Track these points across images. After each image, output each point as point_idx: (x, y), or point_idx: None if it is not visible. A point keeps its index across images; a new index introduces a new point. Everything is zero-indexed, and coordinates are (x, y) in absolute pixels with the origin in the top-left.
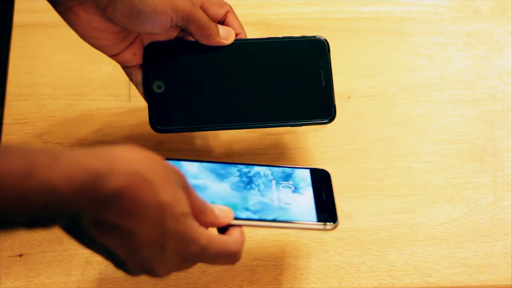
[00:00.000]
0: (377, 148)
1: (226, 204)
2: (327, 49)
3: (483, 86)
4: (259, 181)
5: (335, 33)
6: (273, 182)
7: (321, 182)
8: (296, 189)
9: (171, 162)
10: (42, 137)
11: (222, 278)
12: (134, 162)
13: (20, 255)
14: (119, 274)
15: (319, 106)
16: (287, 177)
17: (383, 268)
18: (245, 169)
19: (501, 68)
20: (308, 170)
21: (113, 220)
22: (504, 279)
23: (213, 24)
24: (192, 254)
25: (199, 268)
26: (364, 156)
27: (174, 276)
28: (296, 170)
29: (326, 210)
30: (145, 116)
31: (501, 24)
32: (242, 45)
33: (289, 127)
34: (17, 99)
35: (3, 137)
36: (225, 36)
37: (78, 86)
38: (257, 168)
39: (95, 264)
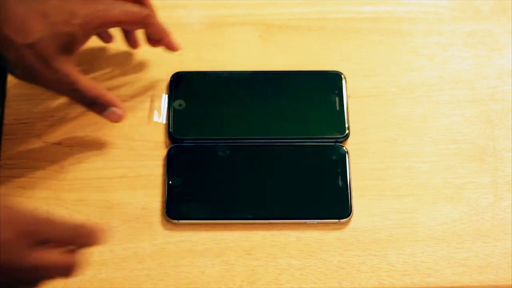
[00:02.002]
0: (377, 148)
1: None
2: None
3: (483, 86)
4: None
5: (335, 33)
6: None
7: None
8: None
9: None
10: (42, 137)
11: (222, 278)
12: None
13: None
14: (119, 274)
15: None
16: None
17: (383, 268)
18: None
19: (501, 68)
20: None
21: None
22: (504, 279)
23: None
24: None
25: (199, 268)
26: (364, 156)
27: (174, 276)
28: None
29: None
30: (145, 116)
31: (501, 24)
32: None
33: None
34: (17, 99)
35: (3, 137)
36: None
37: None
38: None
39: (95, 264)
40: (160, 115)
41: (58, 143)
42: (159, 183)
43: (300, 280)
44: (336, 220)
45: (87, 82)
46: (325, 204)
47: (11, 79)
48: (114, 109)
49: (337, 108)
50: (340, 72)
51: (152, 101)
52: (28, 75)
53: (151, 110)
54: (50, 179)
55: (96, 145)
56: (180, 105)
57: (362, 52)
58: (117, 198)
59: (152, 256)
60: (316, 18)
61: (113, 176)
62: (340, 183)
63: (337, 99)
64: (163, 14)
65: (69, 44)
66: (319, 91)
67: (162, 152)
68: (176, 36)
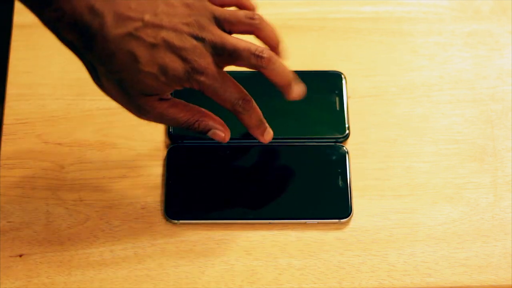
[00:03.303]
0: (377, 148)
1: None
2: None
3: (483, 86)
4: None
5: (335, 33)
6: None
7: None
8: None
9: None
10: (42, 137)
11: (222, 278)
12: None
13: (20, 255)
14: (119, 274)
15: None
16: None
17: (383, 268)
18: None
19: (501, 68)
20: None
21: None
22: (504, 279)
23: None
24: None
25: (199, 268)
26: (364, 156)
27: (174, 276)
28: None
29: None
30: None
31: (501, 24)
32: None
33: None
34: (17, 99)
35: (3, 137)
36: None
37: (78, 86)
38: None
39: (95, 264)
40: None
41: (58, 143)
42: (159, 183)
43: (300, 280)
44: (336, 220)
45: (175, 111)
46: (325, 204)
47: (11, 79)
48: (216, 131)
49: (337, 108)
50: (340, 72)
51: None
52: (110, 97)
53: None
54: (50, 179)
55: (96, 145)
56: None
57: (362, 52)
58: (117, 198)
59: (152, 256)
60: (316, 18)
61: (113, 176)
62: (340, 183)
63: (337, 99)
64: None
65: (151, 92)
66: (319, 91)
67: (162, 152)
68: None
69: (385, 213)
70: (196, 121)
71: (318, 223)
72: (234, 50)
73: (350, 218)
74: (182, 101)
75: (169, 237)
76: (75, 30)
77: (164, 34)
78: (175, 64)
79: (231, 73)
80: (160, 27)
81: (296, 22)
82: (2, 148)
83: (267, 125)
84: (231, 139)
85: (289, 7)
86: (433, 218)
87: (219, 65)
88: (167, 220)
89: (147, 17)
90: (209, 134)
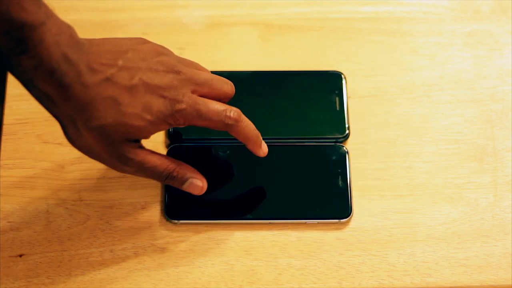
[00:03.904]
0: (377, 148)
1: None
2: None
3: (483, 86)
4: None
5: (335, 33)
6: None
7: None
8: None
9: None
10: (42, 137)
11: (222, 278)
12: None
13: (20, 255)
14: (119, 274)
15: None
16: None
17: (383, 268)
18: None
19: (501, 68)
20: None
21: None
22: (504, 279)
23: None
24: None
25: (199, 268)
26: (364, 156)
27: (174, 276)
28: None
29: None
30: None
31: (501, 24)
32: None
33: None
34: (17, 99)
35: (3, 137)
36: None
37: None
38: None
39: (95, 264)
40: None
41: (58, 143)
42: (159, 183)
43: (300, 280)
44: (336, 220)
45: (155, 159)
46: (325, 204)
47: (11, 79)
48: (193, 180)
49: (337, 108)
50: (340, 72)
51: None
52: (88, 153)
53: None
54: (50, 179)
55: None
56: None
57: (362, 52)
58: (117, 198)
59: (152, 256)
60: (316, 18)
61: (113, 176)
62: (340, 183)
63: (337, 99)
64: (163, 14)
65: (136, 136)
66: (319, 91)
67: (162, 152)
68: (176, 36)
69: (385, 213)
70: (174, 169)
71: (318, 223)
72: (206, 80)
73: (350, 218)
74: (159, 152)
75: (169, 237)
76: (52, 79)
77: (141, 74)
78: (157, 100)
79: (231, 73)
80: (135, 69)
81: (296, 22)
82: (2, 148)
83: (261, 138)
84: (231, 139)
85: (289, 7)
86: (433, 218)
87: (197, 94)
88: (167, 220)
89: (120, 62)
90: (186, 185)
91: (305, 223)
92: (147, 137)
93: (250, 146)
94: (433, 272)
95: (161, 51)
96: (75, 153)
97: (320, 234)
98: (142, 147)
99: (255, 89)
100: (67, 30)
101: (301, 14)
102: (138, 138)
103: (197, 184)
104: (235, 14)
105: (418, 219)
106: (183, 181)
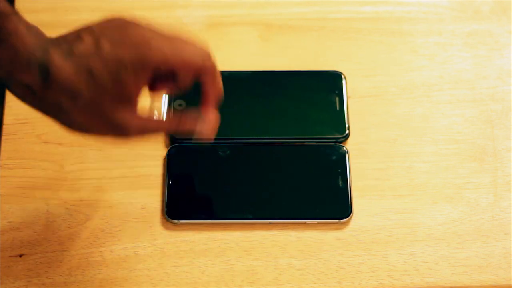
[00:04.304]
0: (377, 148)
1: None
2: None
3: (483, 86)
4: None
5: (335, 33)
6: None
7: None
8: None
9: None
10: (42, 137)
11: (222, 278)
12: None
13: (20, 255)
14: (119, 274)
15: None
16: None
17: (383, 268)
18: None
19: (501, 68)
20: None
21: None
22: (504, 279)
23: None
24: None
25: (199, 268)
26: (364, 156)
27: (174, 276)
28: None
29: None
30: None
31: (501, 24)
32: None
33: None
34: (17, 99)
35: (3, 137)
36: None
37: None
38: None
39: (95, 264)
40: (160, 115)
41: (58, 143)
42: (159, 183)
43: (300, 280)
44: (336, 220)
45: (155, 120)
46: (325, 204)
47: None
48: (204, 118)
49: (337, 108)
50: (340, 72)
51: (152, 101)
52: (88, 133)
53: (151, 109)
54: (50, 179)
55: (96, 145)
56: (180, 105)
57: (362, 52)
58: (117, 198)
59: (152, 256)
60: (316, 18)
61: (113, 176)
62: (340, 183)
63: (337, 99)
64: (163, 14)
65: (123, 96)
66: (319, 91)
67: (162, 152)
68: None
69: (385, 213)
70: (180, 120)
71: (318, 223)
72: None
73: (350, 218)
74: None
75: (169, 237)
76: (31, 68)
77: (108, 33)
78: (129, 53)
79: (231, 73)
80: (96, 30)
81: (296, 22)
82: (2, 148)
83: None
84: (231, 139)
85: (289, 7)
86: (433, 218)
87: None
88: (167, 220)
89: (82, 33)
90: (198, 126)
91: (305, 223)
92: (132, 93)
93: (210, 101)
94: (433, 272)
95: (125, 25)
96: (75, 153)
97: (320, 234)
98: (135, 113)
99: (255, 89)
100: (34, 26)
101: (301, 14)
102: (127, 97)
103: (210, 118)
104: (235, 14)
105: (418, 219)
106: (193, 127)
